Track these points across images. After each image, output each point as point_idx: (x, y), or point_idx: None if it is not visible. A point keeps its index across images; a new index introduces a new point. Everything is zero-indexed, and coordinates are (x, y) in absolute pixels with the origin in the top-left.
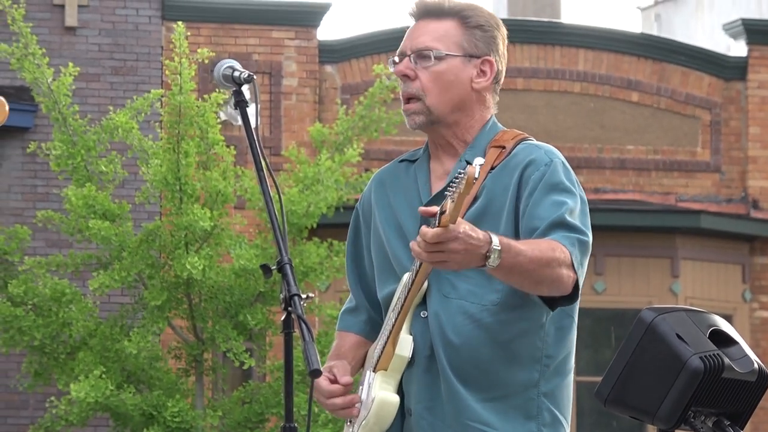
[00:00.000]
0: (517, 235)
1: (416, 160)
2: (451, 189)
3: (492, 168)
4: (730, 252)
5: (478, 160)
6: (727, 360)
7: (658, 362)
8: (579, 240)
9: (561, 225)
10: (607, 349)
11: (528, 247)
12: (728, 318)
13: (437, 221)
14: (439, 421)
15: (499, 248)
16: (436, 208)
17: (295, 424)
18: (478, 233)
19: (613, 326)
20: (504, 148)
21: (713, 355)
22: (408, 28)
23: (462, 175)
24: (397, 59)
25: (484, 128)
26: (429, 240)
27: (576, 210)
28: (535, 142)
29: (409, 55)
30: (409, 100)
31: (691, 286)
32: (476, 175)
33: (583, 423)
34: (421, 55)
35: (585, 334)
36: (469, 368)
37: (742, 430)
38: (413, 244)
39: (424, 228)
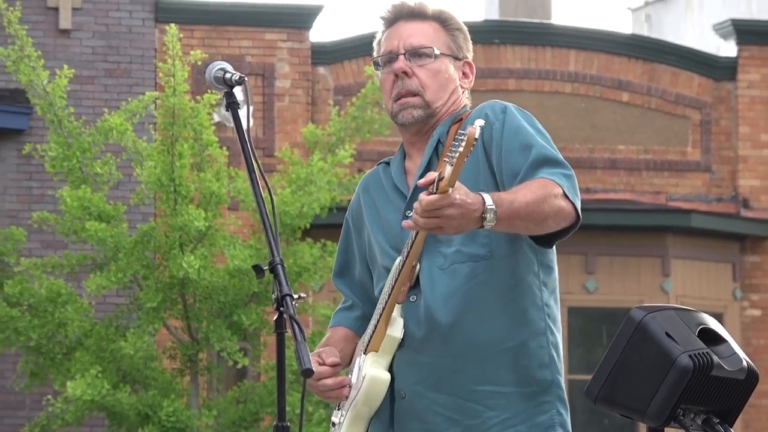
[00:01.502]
0: (497, 189)
1: (391, 162)
2: (450, 154)
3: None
4: (721, 251)
5: (479, 122)
6: (716, 358)
7: (647, 361)
8: (562, 174)
9: (541, 163)
10: (599, 348)
11: (519, 193)
12: (719, 316)
13: (435, 187)
14: (443, 395)
15: (494, 207)
16: (434, 174)
17: (288, 423)
18: (472, 196)
19: (604, 325)
20: (462, 120)
21: (702, 353)
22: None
23: (462, 137)
24: (380, 61)
25: (454, 113)
26: (425, 206)
27: (548, 144)
28: (484, 102)
29: (404, 53)
30: (406, 95)
31: (682, 285)
32: (477, 136)
33: (576, 421)
34: (417, 53)
35: (576, 333)
36: (472, 328)
37: (732, 427)
38: (415, 206)
39: (421, 195)
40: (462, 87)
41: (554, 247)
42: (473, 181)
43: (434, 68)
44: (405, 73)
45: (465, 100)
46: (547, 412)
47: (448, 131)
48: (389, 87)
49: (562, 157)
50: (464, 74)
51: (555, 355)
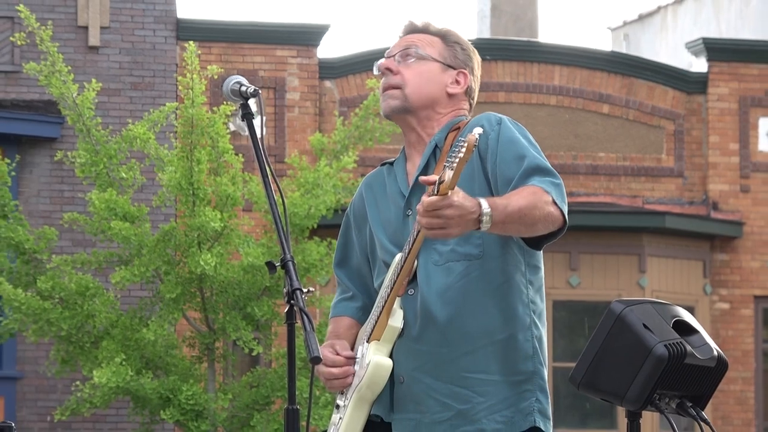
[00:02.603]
0: (491, 195)
1: (394, 163)
2: (450, 159)
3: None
4: (692, 249)
5: (477, 130)
6: (689, 347)
7: (626, 349)
8: (552, 182)
9: (533, 171)
10: (582, 338)
11: (512, 199)
12: (690, 309)
13: (436, 189)
14: (438, 382)
15: (489, 210)
16: (435, 177)
17: (297, 406)
18: (470, 200)
19: (586, 317)
20: (459, 129)
21: (676, 343)
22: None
23: (462, 143)
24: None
25: (451, 121)
26: (426, 207)
27: (538, 155)
28: (480, 114)
29: (394, 55)
30: (388, 88)
31: (657, 281)
32: (476, 143)
33: (560, 405)
34: (406, 53)
35: (561, 325)
36: (466, 321)
37: (703, 410)
38: (418, 207)
39: (423, 196)
40: (449, 90)
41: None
42: (469, 187)
43: (419, 68)
44: (389, 69)
45: (464, 110)
46: (528, 399)
47: (445, 138)
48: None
49: (551, 167)
50: (456, 81)
51: (538, 347)
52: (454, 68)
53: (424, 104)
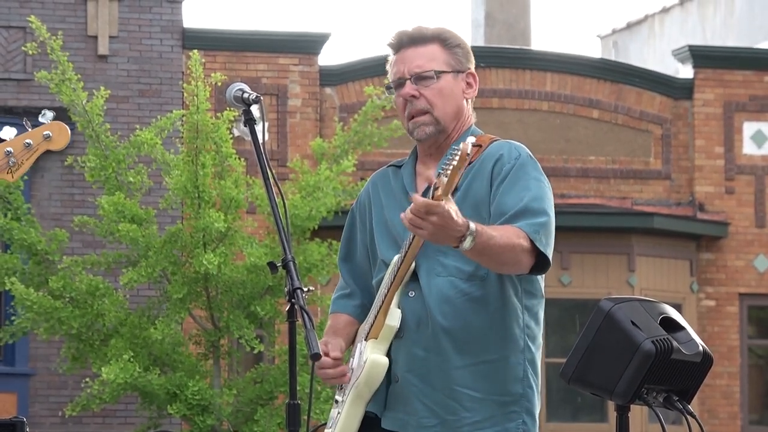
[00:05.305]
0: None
1: (402, 166)
2: (445, 166)
3: (470, 163)
4: (680, 249)
5: (470, 139)
6: (675, 343)
7: (615, 346)
8: (542, 224)
9: (526, 213)
10: (572, 335)
11: (498, 233)
12: (678, 307)
13: (431, 195)
14: (429, 387)
15: (475, 234)
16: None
17: (299, 401)
18: (460, 218)
19: (577, 314)
20: (480, 146)
21: (663, 339)
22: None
23: (456, 151)
24: (392, 85)
25: (467, 131)
26: (415, 206)
27: (540, 195)
28: (505, 140)
29: (409, 79)
30: (417, 114)
31: (646, 279)
32: (469, 151)
33: (552, 399)
34: (421, 76)
35: (553, 321)
36: (461, 337)
37: (690, 404)
38: (409, 209)
39: (415, 195)
40: (466, 96)
41: (541, 277)
42: (476, 208)
43: (437, 87)
44: (413, 96)
45: (472, 117)
46: (514, 420)
47: None
48: (402, 108)
49: (546, 206)
50: (468, 84)
51: (530, 370)
52: (462, 71)
53: (452, 119)
